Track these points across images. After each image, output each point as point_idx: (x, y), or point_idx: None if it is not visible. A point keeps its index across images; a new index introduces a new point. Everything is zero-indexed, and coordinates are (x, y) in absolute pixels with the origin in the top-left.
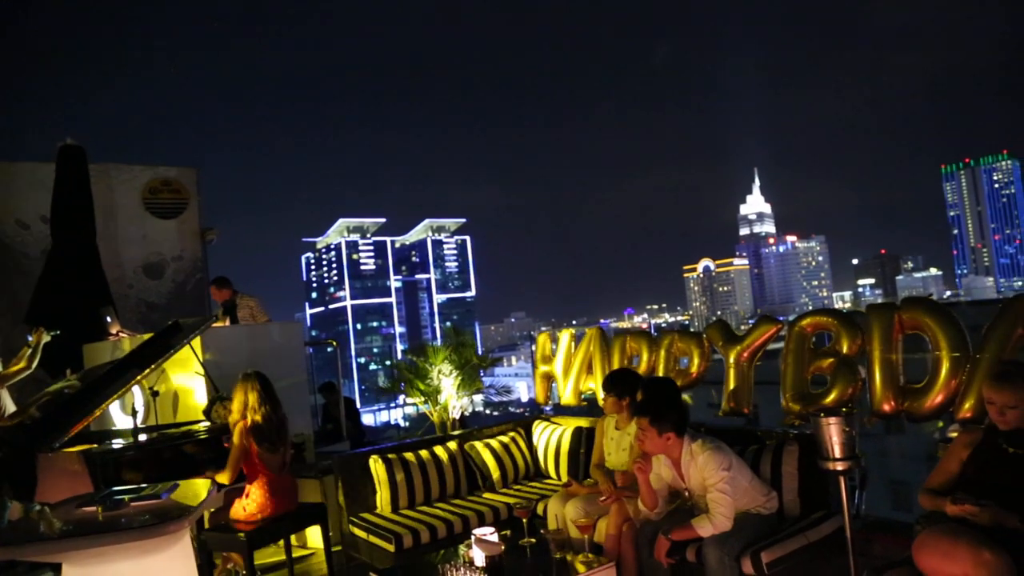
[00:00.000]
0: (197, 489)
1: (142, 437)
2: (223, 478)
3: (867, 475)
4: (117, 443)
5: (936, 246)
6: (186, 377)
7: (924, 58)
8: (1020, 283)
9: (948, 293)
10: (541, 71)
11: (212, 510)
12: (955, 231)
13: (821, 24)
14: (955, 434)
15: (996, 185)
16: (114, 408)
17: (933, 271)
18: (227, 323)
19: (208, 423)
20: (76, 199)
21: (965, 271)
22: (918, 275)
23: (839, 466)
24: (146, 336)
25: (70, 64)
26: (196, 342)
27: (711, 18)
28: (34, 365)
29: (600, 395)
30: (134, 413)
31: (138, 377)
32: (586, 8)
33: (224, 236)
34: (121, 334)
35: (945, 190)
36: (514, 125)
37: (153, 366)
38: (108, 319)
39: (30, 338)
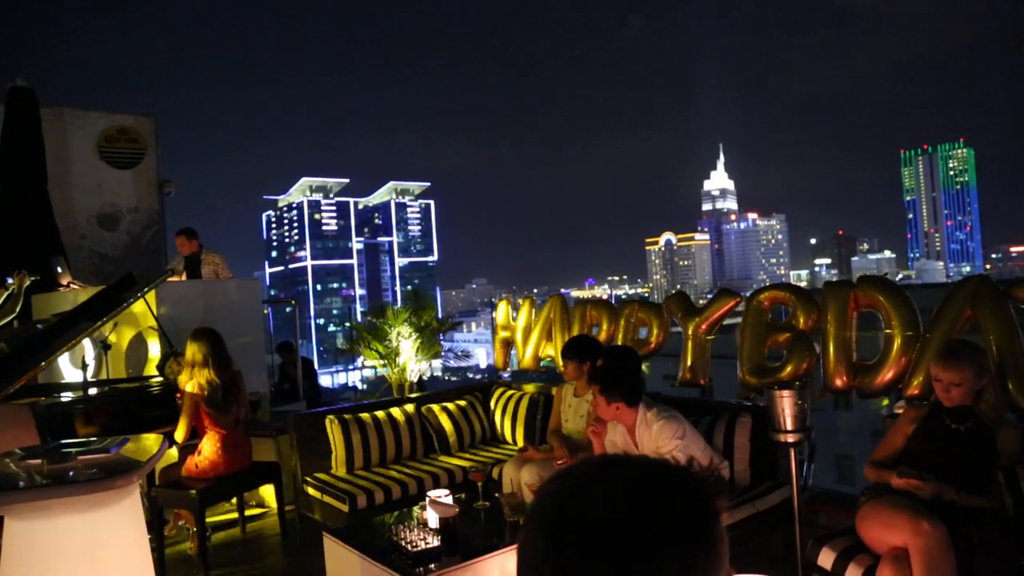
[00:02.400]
0: (148, 444)
1: (92, 391)
2: (176, 435)
3: (815, 448)
4: (66, 396)
5: (891, 230)
6: (140, 331)
7: (888, 44)
8: (968, 268)
9: (900, 275)
10: (510, 36)
11: (164, 466)
12: (910, 215)
13: (789, 4)
14: (901, 410)
15: (951, 172)
16: (63, 361)
17: (887, 253)
18: (183, 277)
19: (161, 378)
20: (26, 144)
21: (918, 255)
22: (872, 257)
23: (790, 438)
24: (99, 288)
25: (21, 2)
26: (151, 296)
27: None
28: (18, 308)
29: (560, 362)
30: (84, 366)
31: (89, 329)
32: None
33: (182, 189)
34: (72, 285)
35: (902, 175)
36: (481, 90)
37: (105, 318)
38: (59, 269)
39: (10, 280)
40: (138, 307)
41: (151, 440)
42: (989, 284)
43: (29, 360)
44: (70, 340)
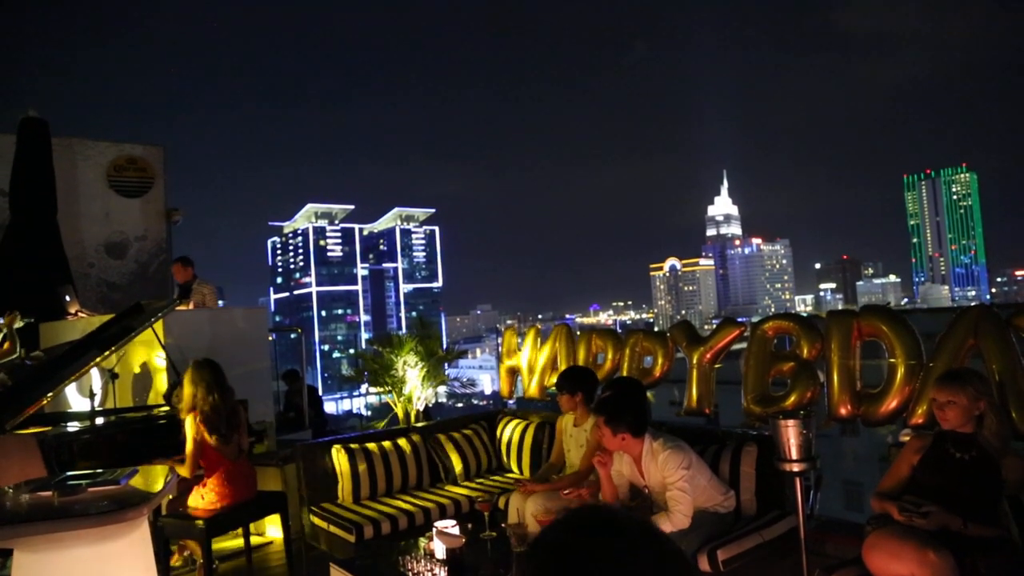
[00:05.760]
0: (157, 475)
1: (99, 420)
2: (183, 471)
3: (821, 476)
4: (73, 426)
5: (896, 254)
6: (148, 360)
7: (890, 68)
8: (973, 292)
9: (905, 300)
10: (515, 63)
11: (171, 496)
12: (914, 240)
13: (791, 29)
14: (907, 439)
15: (955, 196)
16: (71, 390)
17: (892, 278)
18: (191, 307)
19: (168, 408)
20: (37, 173)
21: (922, 279)
22: (878, 281)
23: (796, 467)
24: (107, 317)
25: (33, 33)
26: (159, 325)
27: (683, 19)
28: (18, 348)
29: None
30: (92, 396)
31: (97, 359)
32: (559, 4)
33: (188, 217)
34: (80, 313)
35: (906, 199)
36: (485, 117)
37: (113, 348)
38: (67, 298)
39: (0, 320)
40: (145, 336)
41: (160, 471)
42: (991, 313)
43: (36, 390)
44: (78, 370)
